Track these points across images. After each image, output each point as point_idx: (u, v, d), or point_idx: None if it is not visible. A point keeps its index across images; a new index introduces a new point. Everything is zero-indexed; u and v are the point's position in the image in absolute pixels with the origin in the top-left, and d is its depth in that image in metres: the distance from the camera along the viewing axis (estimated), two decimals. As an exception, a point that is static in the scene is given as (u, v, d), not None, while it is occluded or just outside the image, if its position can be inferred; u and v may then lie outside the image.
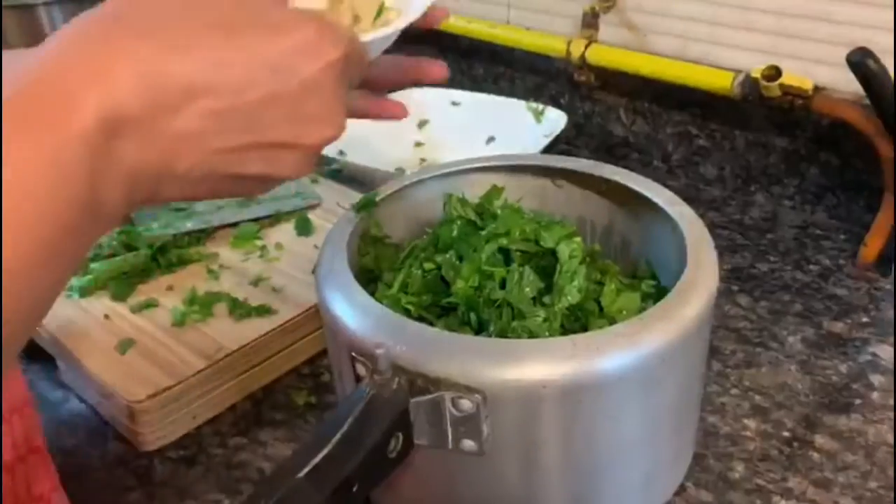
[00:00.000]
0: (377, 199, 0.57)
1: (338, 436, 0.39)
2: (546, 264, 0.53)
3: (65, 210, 0.26)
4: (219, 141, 0.29)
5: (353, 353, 0.45)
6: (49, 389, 0.66)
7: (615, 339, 0.43)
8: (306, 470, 0.38)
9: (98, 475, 0.59)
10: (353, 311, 0.46)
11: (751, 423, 0.61)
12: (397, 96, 1.14)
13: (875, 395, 0.63)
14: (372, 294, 0.48)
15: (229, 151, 0.30)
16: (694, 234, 0.51)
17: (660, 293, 0.53)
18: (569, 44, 0.96)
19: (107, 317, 0.68)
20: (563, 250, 0.52)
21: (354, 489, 0.39)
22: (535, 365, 0.42)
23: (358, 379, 0.45)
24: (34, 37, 1.29)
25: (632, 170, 0.59)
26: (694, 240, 0.50)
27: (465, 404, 0.42)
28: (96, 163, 0.26)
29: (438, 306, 0.52)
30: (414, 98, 1.05)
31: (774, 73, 0.79)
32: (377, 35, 0.42)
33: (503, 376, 0.42)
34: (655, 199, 0.55)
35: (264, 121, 0.30)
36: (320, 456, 0.38)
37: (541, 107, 0.98)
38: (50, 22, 1.29)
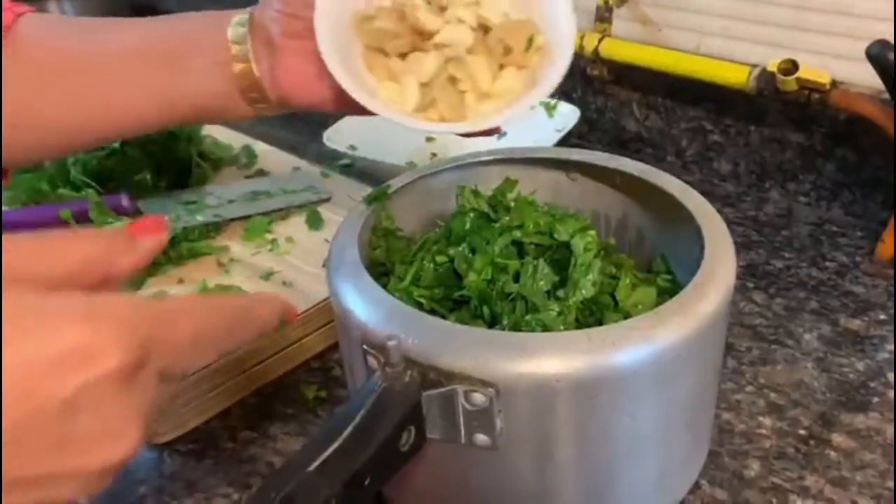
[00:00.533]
0: (389, 191, 0.56)
1: (349, 429, 0.39)
2: (560, 257, 0.52)
3: None
4: None
5: (365, 346, 0.44)
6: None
7: (631, 333, 0.43)
8: (316, 463, 0.37)
9: (107, 468, 0.58)
10: (364, 303, 0.45)
11: (766, 420, 0.60)
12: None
13: (893, 394, 0.62)
14: (384, 287, 0.48)
15: None
16: (711, 228, 0.50)
17: (676, 288, 0.53)
18: (582, 38, 0.96)
19: (117, 309, 0.67)
20: (578, 243, 0.51)
21: (366, 483, 0.39)
22: (550, 359, 0.41)
23: (369, 372, 0.44)
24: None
25: (646, 164, 0.58)
26: (711, 233, 0.50)
27: (478, 398, 0.41)
28: None
29: (451, 300, 0.52)
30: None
31: (791, 67, 0.78)
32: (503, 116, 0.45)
33: (517, 370, 0.41)
34: (672, 192, 0.54)
35: (18, 453, 0.24)
36: (331, 449, 0.38)
37: (553, 101, 0.98)
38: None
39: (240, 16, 0.56)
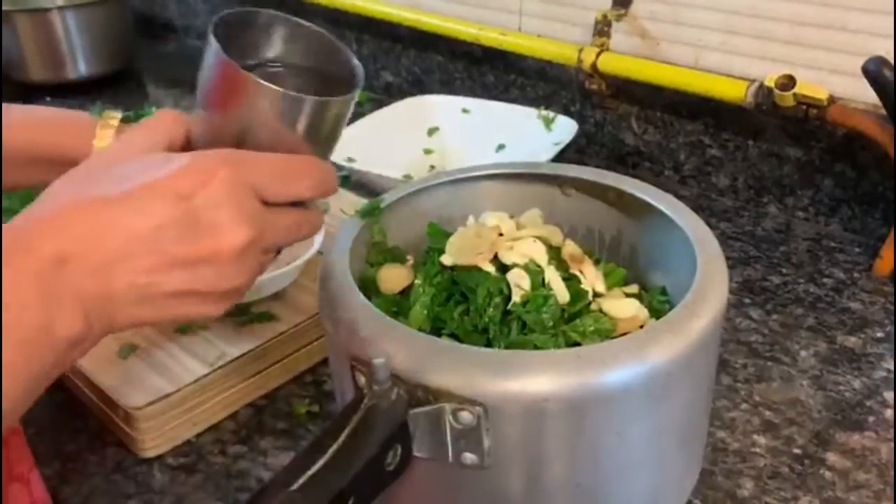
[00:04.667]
0: (382, 205, 0.56)
1: (333, 447, 0.38)
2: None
3: (22, 329, 0.33)
4: (138, 262, 0.35)
5: (353, 362, 0.44)
6: (48, 393, 0.66)
7: (621, 351, 0.42)
8: (300, 482, 0.37)
9: (96, 481, 0.58)
10: (353, 319, 0.45)
11: (761, 439, 0.59)
12: (408, 102, 1.13)
13: (889, 413, 0.61)
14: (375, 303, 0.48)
15: (149, 271, 0.36)
16: (704, 247, 0.50)
17: (669, 307, 0.52)
18: (580, 52, 0.96)
19: (109, 321, 0.67)
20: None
21: (350, 502, 0.38)
22: (538, 377, 0.41)
23: (357, 389, 0.44)
24: (47, 39, 1.29)
25: (643, 179, 0.57)
26: (704, 253, 0.49)
27: (466, 417, 0.41)
28: (46, 292, 0.33)
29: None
30: (425, 105, 1.05)
31: (789, 82, 0.78)
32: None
33: (505, 388, 0.41)
34: (665, 210, 0.53)
35: (165, 241, 0.36)
36: (315, 468, 0.37)
37: (551, 115, 0.98)
38: (63, 25, 1.30)
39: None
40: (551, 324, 0.49)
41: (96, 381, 0.61)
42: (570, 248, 0.56)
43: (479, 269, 0.52)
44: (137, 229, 0.35)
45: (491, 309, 0.50)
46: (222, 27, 0.42)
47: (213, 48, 0.41)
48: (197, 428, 0.62)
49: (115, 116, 0.60)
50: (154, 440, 0.59)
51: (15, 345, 0.33)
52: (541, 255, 0.53)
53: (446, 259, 0.54)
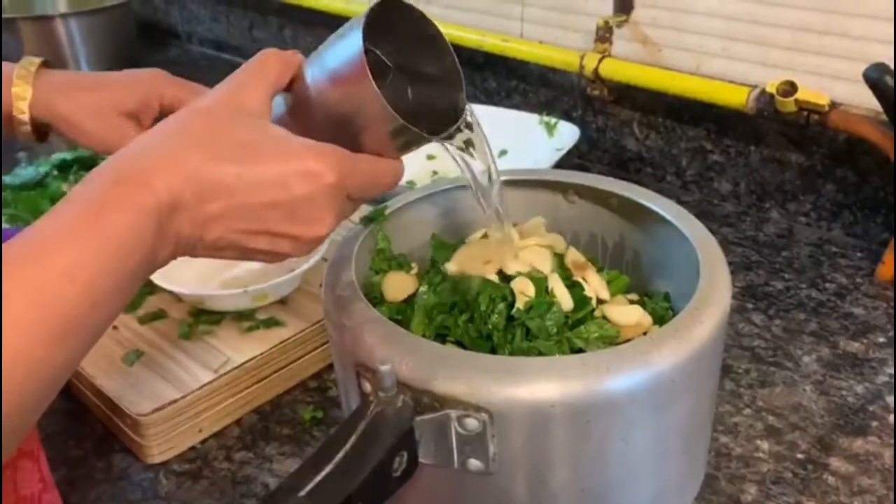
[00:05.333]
0: (386, 212, 0.56)
1: (340, 454, 0.39)
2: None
3: (136, 258, 0.36)
4: (234, 224, 0.40)
5: (358, 369, 0.44)
6: (55, 400, 0.66)
7: (626, 358, 0.42)
8: (308, 488, 0.37)
9: (102, 487, 0.58)
10: (358, 325, 0.45)
11: (764, 444, 0.60)
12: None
13: (892, 418, 0.62)
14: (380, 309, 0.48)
15: (242, 232, 0.40)
16: (708, 254, 0.50)
17: (673, 313, 0.53)
18: (582, 58, 0.96)
19: (115, 327, 0.68)
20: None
21: (357, 509, 0.39)
22: (544, 384, 0.41)
23: (363, 396, 0.44)
24: (50, 46, 1.30)
25: (645, 185, 0.58)
26: (707, 258, 0.49)
27: (472, 423, 0.41)
28: (160, 229, 0.37)
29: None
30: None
31: (790, 88, 0.78)
32: None
33: (511, 395, 0.41)
34: (669, 217, 0.54)
35: (267, 217, 0.40)
36: (322, 474, 0.37)
37: (553, 120, 0.98)
38: (66, 32, 1.30)
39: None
40: (555, 330, 0.50)
41: (102, 387, 0.61)
42: (574, 255, 0.56)
43: (482, 277, 0.52)
44: (249, 203, 0.39)
45: (495, 315, 0.50)
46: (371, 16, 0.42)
47: (355, 41, 0.41)
48: (202, 434, 0.62)
49: (34, 63, 0.62)
50: (160, 446, 0.60)
51: (130, 271, 0.36)
52: (545, 263, 0.53)
53: (451, 267, 0.54)
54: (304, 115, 0.45)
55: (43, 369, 0.33)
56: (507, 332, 0.50)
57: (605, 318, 0.52)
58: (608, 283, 0.55)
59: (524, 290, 0.51)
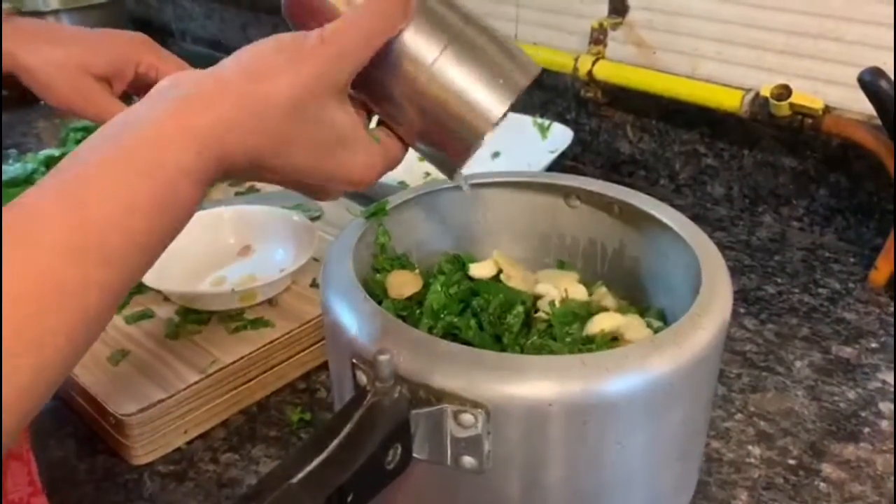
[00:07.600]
0: (388, 207, 0.56)
1: (335, 442, 0.38)
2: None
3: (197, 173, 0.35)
4: (272, 178, 0.40)
5: (354, 360, 0.43)
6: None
7: (625, 359, 0.42)
8: (300, 476, 0.36)
9: (85, 489, 0.57)
10: (356, 316, 0.45)
11: (755, 449, 0.59)
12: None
13: (884, 424, 0.61)
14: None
15: (277, 178, 0.40)
16: (709, 261, 0.50)
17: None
18: (576, 60, 0.96)
19: (101, 327, 0.67)
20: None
21: (349, 500, 0.38)
22: (542, 382, 0.41)
23: (358, 389, 0.44)
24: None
25: (638, 188, 0.57)
26: (709, 266, 0.49)
27: (468, 419, 0.40)
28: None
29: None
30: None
31: (784, 92, 0.78)
32: None
33: (509, 392, 0.40)
34: (671, 224, 0.53)
35: (303, 184, 0.41)
36: (316, 462, 0.37)
37: (547, 122, 0.97)
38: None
39: None
40: (569, 340, 0.50)
41: (87, 387, 0.60)
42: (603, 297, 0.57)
43: (501, 282, 0.53)
44: (296, 179, 0.40)
45: (511, 317, 0.50)
46: None
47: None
48: (188, 435, 0.61)
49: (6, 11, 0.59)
50: (145, 447, 0.59)
51: (182, 208, 0.35)
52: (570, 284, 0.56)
53: (474, 270, 0.56)
54: (378, 83, 0.43)
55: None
56: (520, 336, 0.50)
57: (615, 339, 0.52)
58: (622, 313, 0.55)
59: (549, 293, 0.53)
